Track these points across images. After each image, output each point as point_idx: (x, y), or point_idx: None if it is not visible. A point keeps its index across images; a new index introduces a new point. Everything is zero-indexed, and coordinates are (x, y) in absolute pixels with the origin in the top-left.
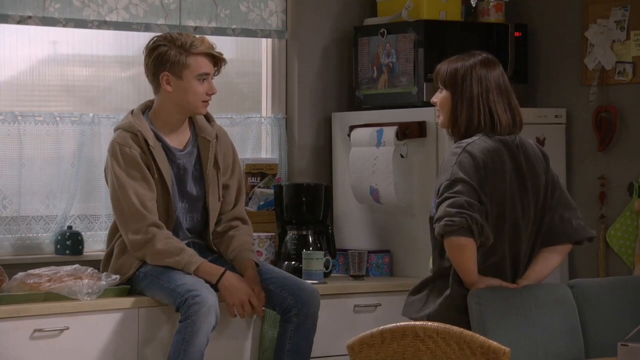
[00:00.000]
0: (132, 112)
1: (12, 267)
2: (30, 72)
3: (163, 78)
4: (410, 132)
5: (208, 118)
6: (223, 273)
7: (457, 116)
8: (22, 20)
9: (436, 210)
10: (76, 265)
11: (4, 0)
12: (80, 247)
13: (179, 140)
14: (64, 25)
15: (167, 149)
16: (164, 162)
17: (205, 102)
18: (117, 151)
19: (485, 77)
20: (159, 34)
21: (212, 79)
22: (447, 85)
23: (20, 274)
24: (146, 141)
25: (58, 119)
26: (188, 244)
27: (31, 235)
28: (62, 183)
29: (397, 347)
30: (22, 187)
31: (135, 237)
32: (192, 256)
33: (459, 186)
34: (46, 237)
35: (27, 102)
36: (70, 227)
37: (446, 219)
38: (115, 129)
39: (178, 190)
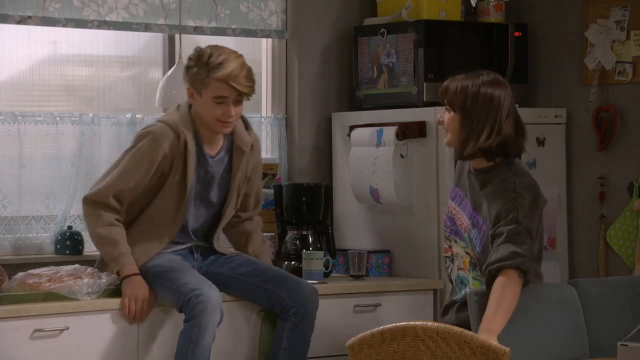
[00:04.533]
0: (178, 106)
1: (12, 267)
2: (30, 72)
3: (188, 90)
4: (410, 132)
5: (246, 124)
6: (135, 274)
7: (467, 135)
8: (22, 20)
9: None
10: (76, 265)
11: (4, 0)
12: (80, 247)
13: (213, 145)
14: (64, 25)
15: (201, 154)
16: (193, 168)
17: (223, 123)
18: (147, 141)
19: (493, 96)
20: (158, 33)
21: (236, 103)
22: (457, 107)
23: (20, 274)
24: (185, 144)
25: (58, 118)
26: (191, 248)
27: (31, 235)
28: (62, 183)
29: (397, 347)
30: (22, 187)
31: (88, 209)
32: (121, 255)
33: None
34: (46, 237)
35: (27, 102)
36: (70, 227)
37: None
38: (159, 121)
39: (199, 195)
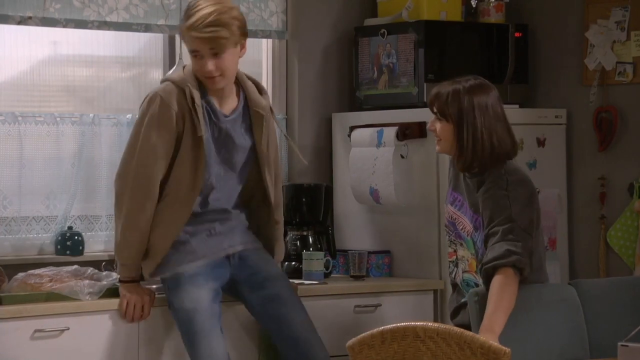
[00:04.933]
0: (184, 66)
1: (12, 268)
2: (30, 72)
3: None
4: (410, 132)
5: (259, 89)
6: (133, 281)
7: (463, 147)
8: (23, 21)
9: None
10: (76, 266)
11: (4, 1)
12: (80, 247)
13: (224, 103)
14: (64, 26)
15: (211, 110)
16: (204, 122)
17: (208, 78)
18: (156, 106)
19: (486, 104)
20: (159, 34)
21: (212, 55)
22: (449, 117)
23: (21, 275)
24: (192, 98)
25: (58, 119)
26: (210, 231)
27: (31, 235)
28: (62, 183)
29: (398, 347)
30: (23, 188)
31: (129, 206)
32: (124, 267)
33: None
34: (46, 237)
35: (28, 103)
36: (70, 228)
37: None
38: (163, 81)
39: (219, 156)
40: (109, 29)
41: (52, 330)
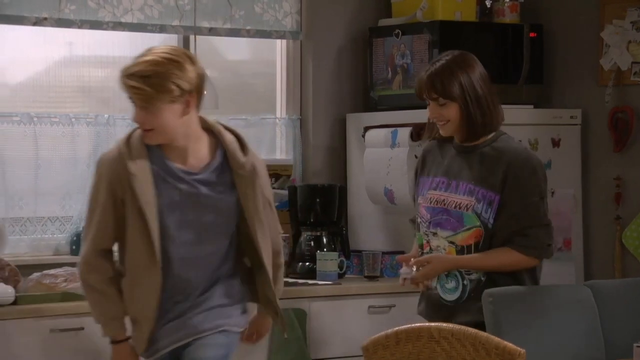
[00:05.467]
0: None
1: (27, 268)
2: (45, 73)
3: None
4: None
5: (242, 144)
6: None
7: (473, 122)
8: (38, 22)
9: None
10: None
11: (21, 2)
12: None
13: (192, 162)
14: (80, 27)
15: (167, 171)
16: (143, 189)
17: (142, 130)
18: (95, 170)
19: (478, 72)
20: (173, 35)
21: (139, 108)
22: (452, 96)
23: (36, 275)
24: (125, 163)
25: (73, 120)
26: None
27: (47, 236)
28: (77, 184)
29: (412, 348)
30: (38, 188)
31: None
32: (103, 327)
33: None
34: (62, 238)
35: (43, 104)
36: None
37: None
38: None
39: (179, 220)
40: (123, 30)
41: (67, 330)
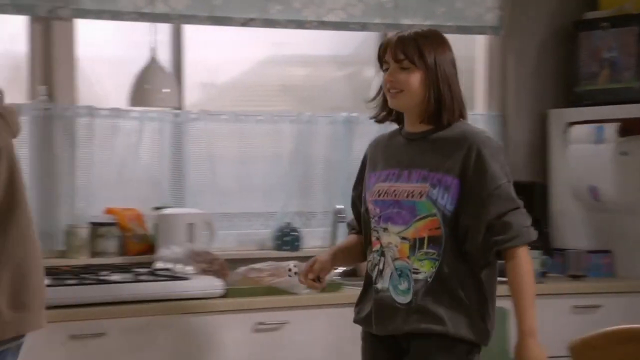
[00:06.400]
0: None
1: (234, 262)
2: (251, 73)
3: None
4: (633, 128)
5: None
6: None
7: (440, 102)
8: (246, 23)
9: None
10: (295, 262)
11: (230, 4)
12: (296, 243)
13: None
14: (285, 27)
15: None
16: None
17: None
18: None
19: (453, 58)
20: (375, 33)
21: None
22: (423, 64)
23: (242, 269)
24: None
25: (277, 118)
26: None
27: (252, 231)
28: (280, 180)
29: (624, 351)
30: (243, 184)
31: None
32: None
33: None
34: (266, 233)
35: (248, 102)
36: (288, 224)
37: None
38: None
39: None
40: (326, 29)
41: (272, 324)
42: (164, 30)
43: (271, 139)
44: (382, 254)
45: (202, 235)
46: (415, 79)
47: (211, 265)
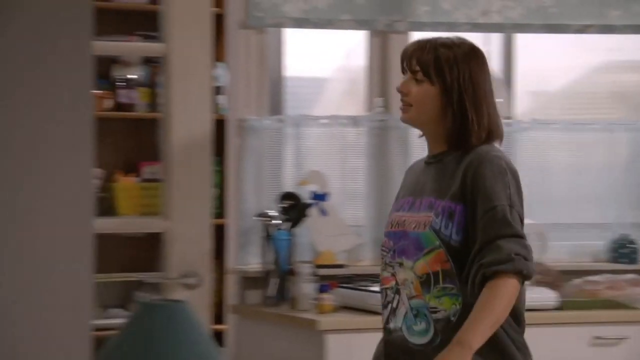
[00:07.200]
0: None
1: (567, 274)
2: (582, 80)
3: None
4: None
5: None
6: None
7: (465, 122)
8: (582, 29)
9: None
10: (633, 275)
11: (565, 11)
12: (634, 255)
13: None
14: (622, 32)
15: None
16: None
17: None
18: None
19: (489, 72)
20: None
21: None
22: (440, 78)
23: (577, 281)
24: None
25: (612, 126)
26: None
27: (585, 242)
28: (614, 190)
29: None
30: (577, 194)
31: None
32: None
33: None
34: (600, 244)
35: (580, 111)
36: (624, 235)
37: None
38: None
39: None
40: None
41: (610, 338)
42: (493, 39)
43: (605, 147)
44: (397, 292)
45: (535, 246)
46: (425, 96)
47: (545, 276)
